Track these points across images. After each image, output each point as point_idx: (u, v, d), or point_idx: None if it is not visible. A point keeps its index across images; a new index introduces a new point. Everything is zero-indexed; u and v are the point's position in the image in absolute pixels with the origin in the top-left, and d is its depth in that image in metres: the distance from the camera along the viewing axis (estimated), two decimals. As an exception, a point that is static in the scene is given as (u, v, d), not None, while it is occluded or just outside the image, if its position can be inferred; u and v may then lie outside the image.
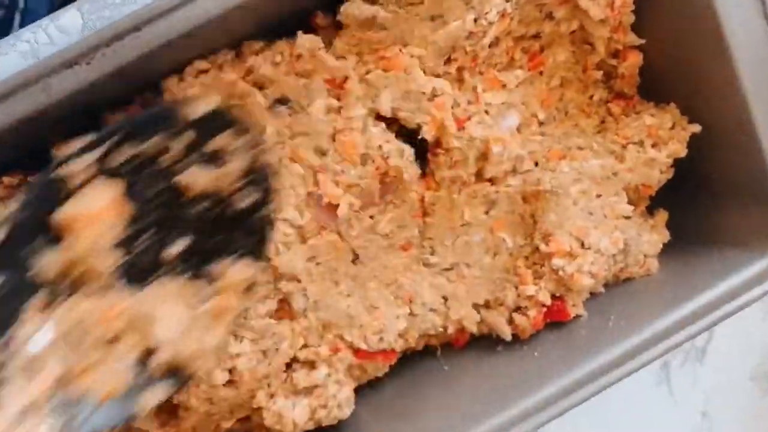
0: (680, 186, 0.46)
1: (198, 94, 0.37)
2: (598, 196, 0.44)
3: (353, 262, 0.42)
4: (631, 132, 0.44)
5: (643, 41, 0.44)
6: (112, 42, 0.34)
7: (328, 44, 0.39)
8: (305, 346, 0.42)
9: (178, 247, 0.35)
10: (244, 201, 0.36)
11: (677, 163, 0.45)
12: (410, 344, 0.45)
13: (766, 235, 0.44)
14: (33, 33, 0.44)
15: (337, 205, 0.40)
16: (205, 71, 0.38)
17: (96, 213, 0.33)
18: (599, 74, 0.45)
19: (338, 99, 0.40)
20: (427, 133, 0.41)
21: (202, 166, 0.34)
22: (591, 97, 0.45)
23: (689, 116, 0.45)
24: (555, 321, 0.45)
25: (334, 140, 0.40)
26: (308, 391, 0.41)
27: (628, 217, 0.45)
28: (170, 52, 0.35)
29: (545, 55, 0.44)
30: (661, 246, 0.46)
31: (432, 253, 0.44)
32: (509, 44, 0.42)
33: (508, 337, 0.44)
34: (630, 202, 0.45)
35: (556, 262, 0.43)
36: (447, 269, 0.44)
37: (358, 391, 0.45)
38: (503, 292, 0.44)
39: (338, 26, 0.40)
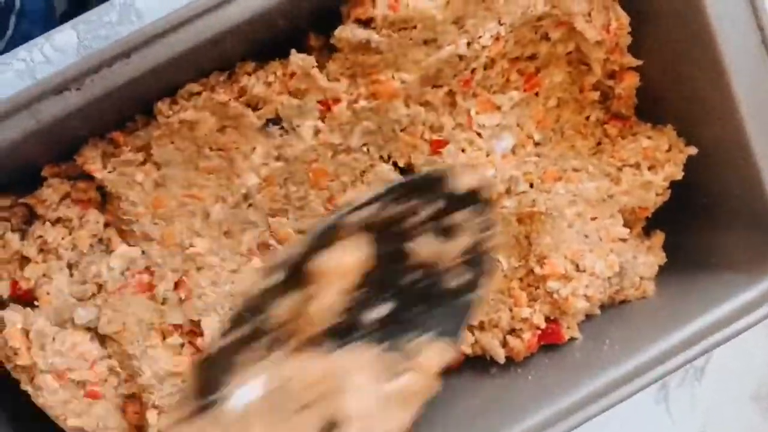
0: (677, 208, 0.46)
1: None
2: (594, 218, 0.44)
3: None
4: (627, 154, 0.44)
5: (640, 62, 0.43)
6: (100, 68, 0.33)
7: (322, 67, 0.39)
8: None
9: (381, 311, 0.35)
10: (455, 280, 0.36)
11: (674, 185, 0.45)
12: (404, 365, 0.44)
13: (765, 258, 0.43)
14: (29, 52, 0.44)
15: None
16: (198, 93, 0.38)
17: (348, 269, 0.33)
18: (596, 95, 0.44)
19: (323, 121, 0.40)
20: (399, 161, 0.41)
21: (433, 238, 0.35)
22: (587, 118, 0.45)
23: (686, 138, 0.44)
24: (549, 344, 0.45)
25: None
26: None
27: (623, 240, 0.45)
28: (162, 76, 0.35)
29: (541, 76, 0.43)
30: (657, 268, 0.46)
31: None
32: (505, 66, 0.42)
33: (502, 360, 0.44)
34: (626, 224, 0.45)
35: (551, 284, 0.43)
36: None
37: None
38: (498, 314, 0.44)
39: (331, 49, 0.40)
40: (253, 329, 0.33)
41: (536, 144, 0.44)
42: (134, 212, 0.39)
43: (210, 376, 0.33)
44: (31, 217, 0.40)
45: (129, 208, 0.39)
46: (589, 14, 0.41)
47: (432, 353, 0.36)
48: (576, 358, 0.44)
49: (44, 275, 0.39)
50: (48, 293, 0.39)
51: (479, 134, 0.42)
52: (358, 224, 0.33)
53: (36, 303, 0.39)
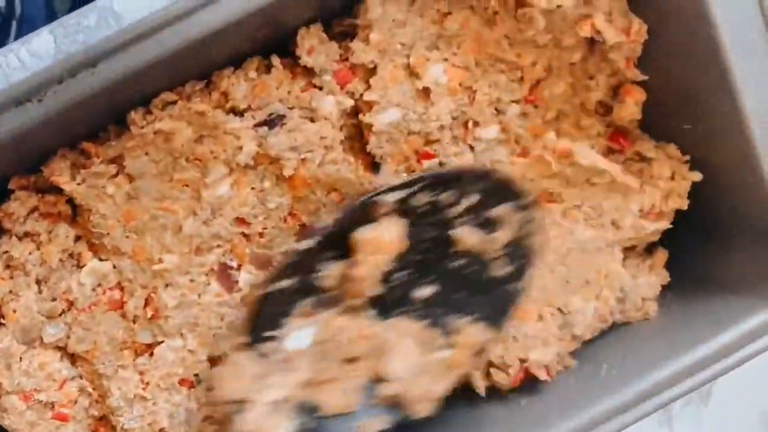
0: (682, 226, 0.43)
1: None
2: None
3: None
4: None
5: (645, 77, 0.41)
6: (63, 79, 0.32)
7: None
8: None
9: (426, 291, 0.38)
10: (498, 270, 0.38)
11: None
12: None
13: (774, 280, 0.41)
14: (4, 57, 0.43)
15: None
16: (173, 103, 0.36)
17: (386, 243, 0.36)
18: (598, 108, 0.42)
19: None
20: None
21: (476, 229, 0.37)
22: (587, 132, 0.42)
23: (692, 154, 0.42)
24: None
25: None
26: None
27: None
28: (132, 86, 0.33)
29: (542, 86, 0.41)
30: (659, 288, 0.44)
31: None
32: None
33: (482, 393, 0.42)
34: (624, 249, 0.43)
35: (525, 329, 0.41)
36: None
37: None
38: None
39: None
40: (303, 284, 0.36)
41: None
42: (105, 225, 0.38)
43: (266, 314, 0.36)
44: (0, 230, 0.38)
45: (99, 221, 0.37)
46: (610, 14, 0.39)
47: (472, 332, 0.38)
48: (571, 384, 0.42)
49: (11, 292, 0.38)
50: (15, 311, 0.37)
51: (471, 148, 0.40)
52: (394, 206, 0.36)
53: (2, 321, 0.38)
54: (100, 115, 0.35)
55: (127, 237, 0.38)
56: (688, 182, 0.41)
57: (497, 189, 0.37)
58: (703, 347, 0.41)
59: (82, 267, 0.38)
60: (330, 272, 0.36)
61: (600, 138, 0.42)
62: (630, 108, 0.41)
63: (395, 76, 0.38)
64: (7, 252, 0.37)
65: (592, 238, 0.41)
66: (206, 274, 0.39)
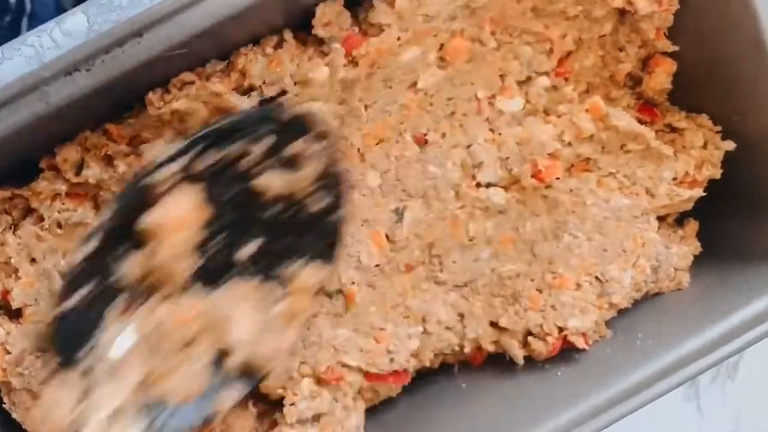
0: (713, 196, 0.43)
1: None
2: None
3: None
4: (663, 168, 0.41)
5: (676, 48, 0.41)
6: (111, 48, 0.32)
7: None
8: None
9: (250, 248, 0.36)
10: (316, 205, 0.36)
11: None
12: (424, 363, 0.42)
13: (808, 250, 0.41)
14: (38, 37, 0.43)
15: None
16: (191, 83, 0.37)
17: (179, 219, 0.34)
18: (627, 80, 0.42)
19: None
20: None
21: (279, 170, 0.35)
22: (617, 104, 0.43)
23: (723, 125, 0.42)
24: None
25: None
26: (315, 419, 0.40)
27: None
28: (175, 59, 0.34)
29: (572, 59, 0.41)
30: (692, 258, 0.44)
31: (441, 270, 0.41)
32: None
33: (521, 362, 0.42)
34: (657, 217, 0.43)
35: (563, 298, 0.41)
36: (460, 286, 0.42)
37: (371, 410, 0.43)
38: (517, 314, 0.42)
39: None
40: (103, 289, 0.34)
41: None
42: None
43: (71, 332, 0.33)
44: (29, 209, 0.38)
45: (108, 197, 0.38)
46: None
47: (307, 275, 0.37)
48: (606, 354, 0.42)
49: (31, 286, 0.38)
50: (34, 314, 0.38)
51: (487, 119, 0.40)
52: (176, 178, 0.33)
53: (20, 322, 0.38)
54: (138, 90, 0.36)
55: None
56: (721, 151, 0.42)
57: (290, 125, 0.35)
58: (736, 316, 0.41)
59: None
60: (129, 269, 0.34)
61: (630, 110, 0.43)
62: (660, 78, 0.42)
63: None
64: (33, 234, 0.38)
65: (627, 206, 0.41)
66: None
